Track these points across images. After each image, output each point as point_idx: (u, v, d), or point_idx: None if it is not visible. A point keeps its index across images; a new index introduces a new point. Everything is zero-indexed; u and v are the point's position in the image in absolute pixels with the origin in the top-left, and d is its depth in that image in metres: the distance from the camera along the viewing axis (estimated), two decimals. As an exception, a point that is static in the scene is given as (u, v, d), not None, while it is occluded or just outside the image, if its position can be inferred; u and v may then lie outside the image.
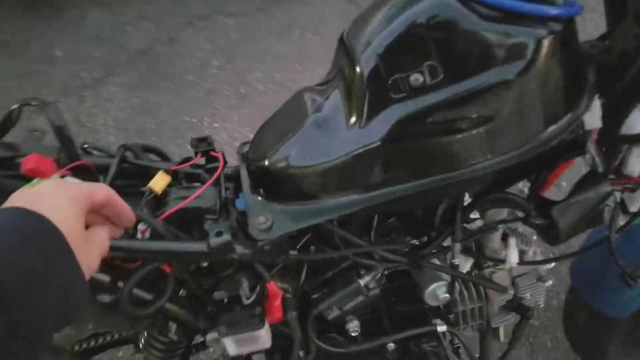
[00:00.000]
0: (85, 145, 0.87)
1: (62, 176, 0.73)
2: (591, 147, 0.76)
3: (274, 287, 0.79)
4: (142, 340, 0.94)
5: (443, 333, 0.97)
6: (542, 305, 1.08)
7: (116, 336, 1.13)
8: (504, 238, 0.93)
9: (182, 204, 0.74)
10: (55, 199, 0.48)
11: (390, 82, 0.65)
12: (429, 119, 0.65)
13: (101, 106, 2.41)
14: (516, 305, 1.04)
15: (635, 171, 0.80)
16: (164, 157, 0.92)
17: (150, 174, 0.83)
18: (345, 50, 0.72)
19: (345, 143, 0.69)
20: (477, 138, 0.67)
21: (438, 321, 0.95)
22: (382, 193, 0.70)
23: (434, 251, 0.87)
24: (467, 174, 0.68)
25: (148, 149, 0.88)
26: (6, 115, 0.78)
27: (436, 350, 0.96)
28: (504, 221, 0.90)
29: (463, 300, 0.96)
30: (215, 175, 0.79)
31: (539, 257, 0.99)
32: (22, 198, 0.47)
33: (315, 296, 0.89)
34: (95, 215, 0.56)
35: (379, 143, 0.67)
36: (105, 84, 2.54)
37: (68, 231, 0.46)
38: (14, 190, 0.50)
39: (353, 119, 0.68)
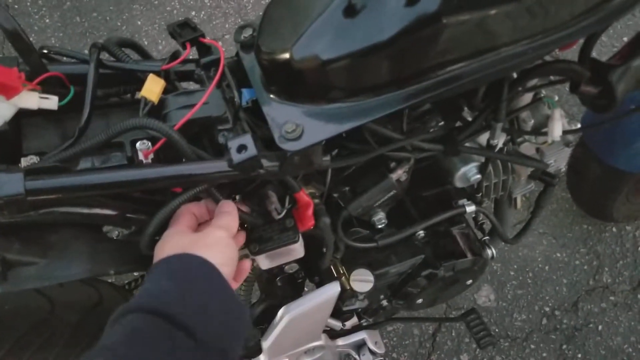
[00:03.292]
0: (45, 51, 0.69)
1: (33, 90, 0.57)
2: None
3: (305, 196, 0.70)
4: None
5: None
6: (564, 169, 1.05)
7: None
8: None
9: (191, 112, 0.60)
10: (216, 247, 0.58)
11: None
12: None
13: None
14: (541, 174, 1.00)
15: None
16: (143, 53, 0.75)
17: (134, 76, 0.68)
18: None
19: (392, 21, 0.54)
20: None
21: (465, 202, 0.90)
22: (438, 81, 0.58)
23: (473, 133, 0.78)
24: (540, 46, 0.56)
25: (125, 44, 0.70)
26: None
27: (465, 232, 0.92)
28: (547, 84, 0.80)
29: (489, 176, 0.90)
30: (219, 72, 0.64)
31: (567, 124, 0.92)
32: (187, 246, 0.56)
33: (341, 195, 0.81)
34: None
35: (439, 15, 0.53)
36: None
37: (229, 274, 0.57)
38: None
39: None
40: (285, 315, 0.81)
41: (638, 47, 0.71)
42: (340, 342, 0.99)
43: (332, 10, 0.56)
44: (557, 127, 0.80)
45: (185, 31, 0.70)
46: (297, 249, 0.73)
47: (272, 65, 0.62)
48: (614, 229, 1.62)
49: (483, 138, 0.86)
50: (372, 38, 0.56)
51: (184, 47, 0.68)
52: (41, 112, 0.62)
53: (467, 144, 0.81)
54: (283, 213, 0.69)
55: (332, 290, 0.81)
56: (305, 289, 0.99)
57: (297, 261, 0.85)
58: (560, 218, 1.64)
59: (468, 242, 0.92)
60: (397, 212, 0.90)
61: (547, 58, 0.73)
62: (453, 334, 1.48)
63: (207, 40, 0.70)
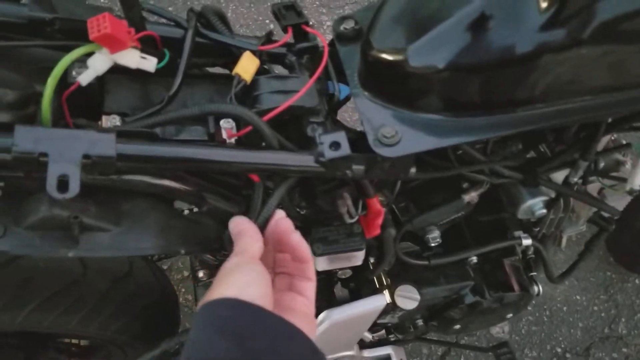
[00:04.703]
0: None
1: (135, 48, 0.54)
2: None
3: (378, 204, 0.67)
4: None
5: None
6: (619, 216, 1.02)
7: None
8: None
9: (289, 101, 0.57)
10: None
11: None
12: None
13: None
14: (597, 217, 0.97)
15: None
16: (229, 27, 0.71)
17: (226, 51, 0.64)
18: None
19: (524, 40, 0.51)
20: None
21: (522, 234, 0.87)
22: (556, 110, 0.55)
23: (555, 167, 0.75)
24: None
25: (220, 16, 0.67)
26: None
27: (515, 265, 0.90)
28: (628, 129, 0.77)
29: (549, 213, 0.88)
30: (322, 65, 0.61)
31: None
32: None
33: (403, 209, 0.78)
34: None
35: (580, 41, 0.50)
36: None
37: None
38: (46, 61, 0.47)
39: (544, 5, 0.50)
40: (326, 320, 0.78)
41: None
42: (366, 353, 0.96)
43: (460, 18, 0.53)
44: (638, 176, 0.77)
45: (289, 14, 0.66)
46: (359, 256, 0.70)
47: (380, 63, 0.59)
48: (637, 281, 1.60)
49: (558, 175, 0.83)
50: (498, 54, 0.53)
51: (285, 31, 0.65)
52: (129, 71, 0.59)
53: (545, 178, 0.78)
54: (356, 218, 0.66)
55: (379, 302, 0.78)
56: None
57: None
58: (586, 262, 1.61)
59: (518, 275, 0.89)
60: (451, 233, 0.87)
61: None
62: (462, 359, 1.45)
63: (311, 29, 0.67)
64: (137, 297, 0.92)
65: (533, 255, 0.98)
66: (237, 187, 0.64)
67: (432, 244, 0.84)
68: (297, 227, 0.68)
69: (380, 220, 0.68)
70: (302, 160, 0.57)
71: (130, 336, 0.93)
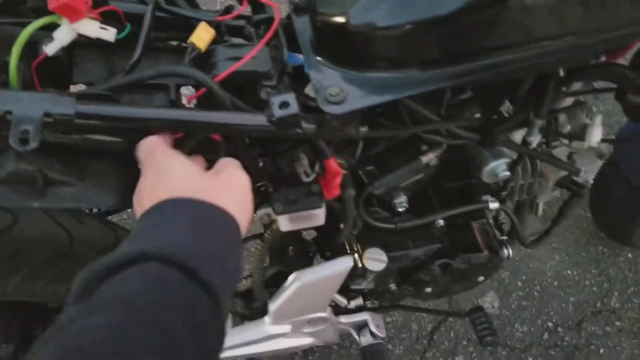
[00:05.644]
0: None
1: (94, 19, 0.58)
2: None
3: (335, 164, 0.71)
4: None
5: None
6: (591, 182, 1.04)
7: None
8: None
9: (238, 64, 0.61)
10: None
11: None
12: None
13: None
14: (569, 182, 0.99)
15: None
16: (193, 4, 0.76)
17: (187, 25, 0.69)
18: None
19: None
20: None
21: (489, 198, 0.90)
22: (489, 64, 0.58)
23: (511, 127, 0.78)
24: (604, 41, 0.56)
25: (183, -5, 0.71)
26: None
27: (484, 228, 0.92)
28: (591, 91, 0.80)
29: (517, 176, 0.90)
30: (272, 30, 0.65)
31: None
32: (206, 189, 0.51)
33: (367, 173, 0.81)
34: None
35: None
36: None
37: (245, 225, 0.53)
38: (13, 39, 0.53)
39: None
40: (295, 281, 0.82)
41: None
42: (343, 319, 1.00)
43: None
44: (595, 133, 0.80)
45: None
46: (319, 215, 0.74)
47: (325, 27, 0.63)
48: (630, 255, 1.60)
49: (517, 136, 0.86)
50: (431, 11, 0.56)
51: (241, 3, 0.69)
52: (94, 46, 0.64)
53: (503, 138, 0.81)
54: (312, 176, 0.70)
55: (345, 263, 0.82)
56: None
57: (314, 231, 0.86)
58: (576, 236, 1.63)
59: (486, 238, 0.92)
60: (418, 199, 0.90)
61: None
62: (452, 335, 1.48)
63: (266, 1, 0.71)
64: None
65: (504, 221, 1.01)
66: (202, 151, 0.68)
67: (399, 209, 0.87)
68: (268, 190, 0.74)
69: (338, 181, 0.72)
70: (255, 119, 0.61)
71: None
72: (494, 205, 0.89)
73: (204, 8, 0.75)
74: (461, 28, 0.57)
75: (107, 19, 0.64)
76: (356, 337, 1.01)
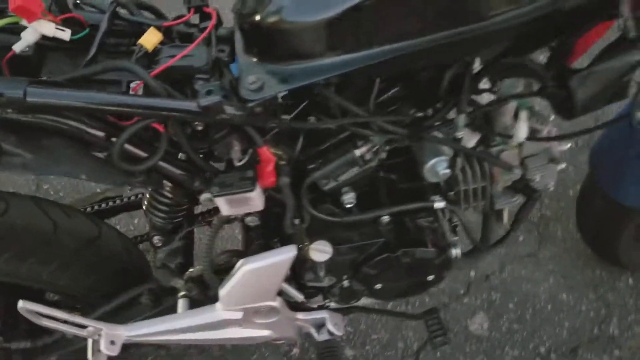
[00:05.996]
0: (78, 1, 0.84)
1: (51, 21, 0.71)
2: (625, 9, 0.68)
3: (267, 152, 0.78)
4: (145, 202, 0.97)
5: (442, 211, 0.96)
6: (552, 188, 1.05)
7: (125, 200, 1.18)
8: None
9: (172, 60, 0.72)
10: None
11: None
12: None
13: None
14: (523, 187, 1.01)
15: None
16: (159, 15, 0.88)
17: (143, 31, 0.80)
18: None
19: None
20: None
21: (436, 197, 0.94)
22: (383, 50, 0.65)
23: (437, 123, 0.83)
24: (482, 29, 0.62)
25: (142, 6, 0.83)
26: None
27: (432, 226, 0.96)
28: (518, 95, 0.84)
29: (465, 177, 0.93)
30: (206, 31, 0.76)
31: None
32: None
33: (310, 166, 0.88)
34: None
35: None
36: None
37: None
38: None
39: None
40: (242, 267, 0.88)
41: (603, 53, 0.74)
42: (301, 315, 1.04)
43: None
44: (522, 129, 0.83)
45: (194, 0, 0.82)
46: (255, 200, 0.81)
47: (247, 28, 0.72)
48: (631, 280, 1.55)
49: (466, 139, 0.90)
50: (324, 9, 0.65)
51: (189, 12, 0.80)
52: (63, 48, 0.76)
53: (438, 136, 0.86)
54: (243, 161, 0.78)
55: (288, 252, 0.88)
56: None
57: (262, 221, 0.93)
58: (572, 258, 1.59)
59: (434, 236, 0.95)
60: (371, 198, 0.96)
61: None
62: (438, 355, 1.46)
63: (209, 9, 0.82)
64: (105, 260, 1.06)
65: (458, 224, 1.04)
66: (147, 139, 0.78)
67: (347, 205, 0.92)
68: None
69: (270, 168, 0.79)
70: (185, 105, 0.70)
71: (99, 294, 1.08)
72: (439, 204, 0.93)
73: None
74: (354, 20, 0.64)
75: (75, 25, 0.76)
76: (315, 334, 1.05)
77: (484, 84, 0.82)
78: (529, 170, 0.99)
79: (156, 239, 1.02)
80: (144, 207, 0.99)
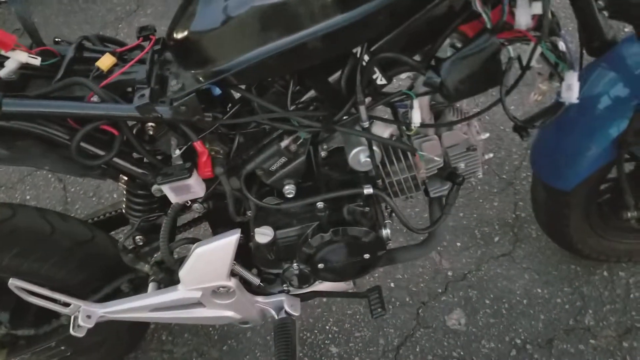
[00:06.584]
0: (57, 40, 1.05)
1: (23, 51, 0.91)
2: (477, 4, 0.82)
3: (200, 146, 0.95)
4: (124, 205, 1.15)
5: (374, 197, 1.08)
6: (480, 175, 1.16)
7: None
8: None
9: (114, 75, 0.91)
10: None
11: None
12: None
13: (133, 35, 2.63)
14: (449, 174, 1.12)
15: (522, 24, 0.84)
16: (121, 44, 1.08)
17: (104, 58, 1.00)
18: None
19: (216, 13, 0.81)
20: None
21: (366, 185, 1.06)
22: (271, 47, 0.82)
23: (345, 117, 0.97)
24: (355, 17, 0.79)
25: (105, 39, 1.04)
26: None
27: (365, 211, 1.07)
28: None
29: (387, 165, 1.05)
30: (142, 53, 0.95)
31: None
32: None
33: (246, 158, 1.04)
34: None
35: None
36: (137, 15, 2.75)
37: None
38: None
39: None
40: (195, 249, 1.03)
41: (467, 42, 0.86)
42: (260, 299, 1.17)
43: (199, 5, 0.85)
44: (415, 115, 0.95)
45: (144, 31, 1.02)
46: (194, 187, 0.97)
47: (172, 44, 0.92)
48: (606, 273, 1.57)
49: (379, 129, 1.03)
50: (214, 23, 0.83)
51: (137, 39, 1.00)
52: (42, 76, 0.97)
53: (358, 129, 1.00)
54: (178, 153, 0.94)
55: (233, 234, 1.02)
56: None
57: (210, 215, 1.08)
58: (547, 256, 1.63)
59: (364, 218, 1.07)
60: (309, 189, 1.09)
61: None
62: (417, 349, 1.53)
63: (154, 37, 1.01)
64: (97, 258, 1.24)
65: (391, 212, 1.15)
66: (106, 141, 0.97)
67: (288, 195, 1.07)
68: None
69: (204, 159, 0.96)
70: (124, 108, 0.89)
71: (90, 289, 1.25)
72: (368, 190, 1.05)
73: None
74: (237, 29, 0.82)
75: (46, 54, 0.97)
76: (275, 315, 1.17)
77: (381, 80, 0.95)
78: (451, 159, 1.10)
79: (138, 239, 1.19)
80: (123, 210, 1.16)
